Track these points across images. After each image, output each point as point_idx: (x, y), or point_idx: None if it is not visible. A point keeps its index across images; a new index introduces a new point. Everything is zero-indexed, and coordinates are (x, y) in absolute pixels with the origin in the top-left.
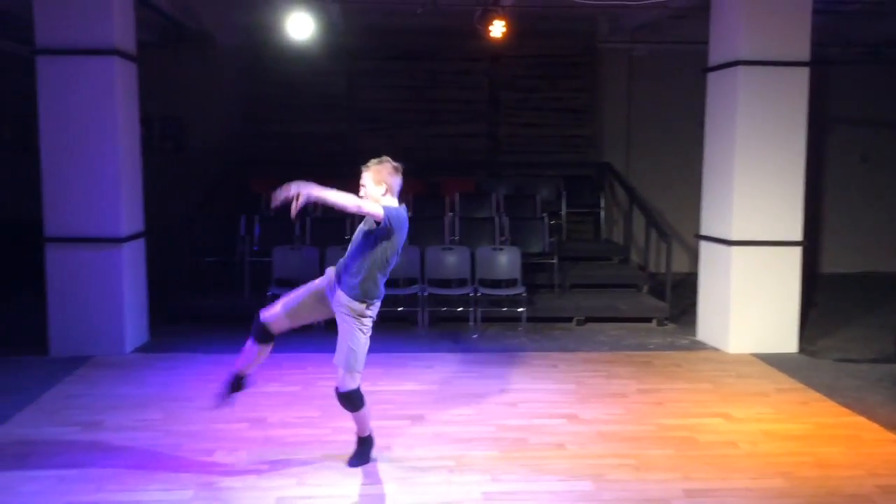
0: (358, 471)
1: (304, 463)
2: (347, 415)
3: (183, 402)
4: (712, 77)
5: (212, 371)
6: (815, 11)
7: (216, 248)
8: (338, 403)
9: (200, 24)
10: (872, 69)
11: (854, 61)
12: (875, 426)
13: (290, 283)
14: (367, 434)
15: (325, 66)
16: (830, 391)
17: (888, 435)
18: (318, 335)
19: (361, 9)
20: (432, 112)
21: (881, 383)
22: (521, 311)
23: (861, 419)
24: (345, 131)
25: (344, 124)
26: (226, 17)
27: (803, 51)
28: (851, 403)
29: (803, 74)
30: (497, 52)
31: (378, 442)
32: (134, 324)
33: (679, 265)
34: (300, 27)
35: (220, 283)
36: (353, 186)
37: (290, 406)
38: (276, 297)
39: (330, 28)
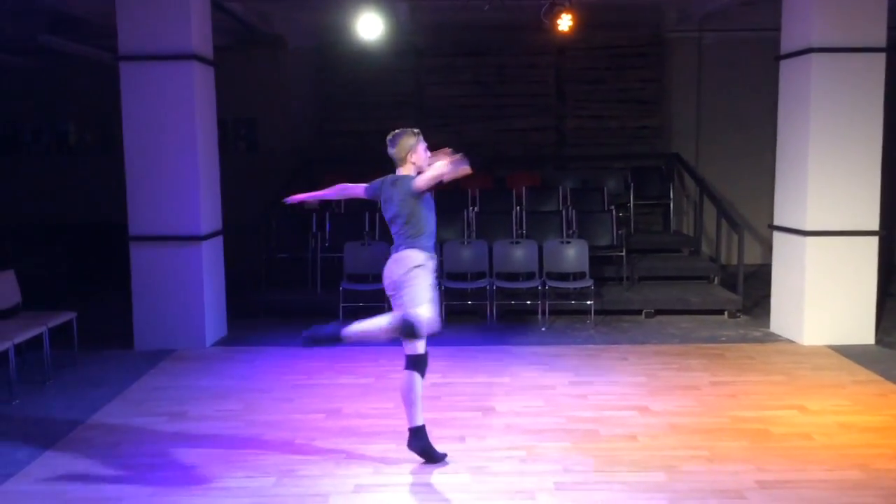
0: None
1: (379, 452)
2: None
3: (261, 393)
4: (785, 65)
5: (287, 363)
6: None
7: (289, 244)
8: None
9: (272, 27)
10: None
11: None
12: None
13: (361, 278)
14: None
15: (393, 64)
16: None
17: None
18: None
19: (429, 6)
20: (499, 107)
21: None
22: (590, 304)
23: None
24: (413, 127)
25: (412, 121)
26: (296, 19)
27: (879, 36)
28: None
29: (880, 61)
30: (563, 44)
31: (451, 433)
32: (213, 318)
33: (751, 257)
34: (370, 27)
35: (293, 278)
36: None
37: (364, 397)
38: (347, 293)
39: (398, 27)
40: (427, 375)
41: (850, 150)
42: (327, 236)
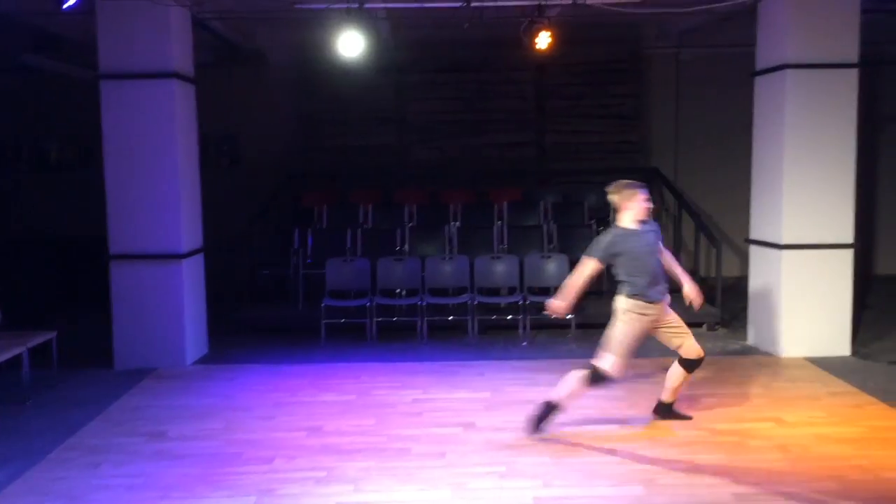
0: (413, 477)
1: (360, 470)
2: (402, 423)
3: (242, 412)
4: (760, 81)
5: (269, 381)
6: (866, 11)
7: (271, 260)
8: (393, 412)
9: (254, 43)
10: None
11: None
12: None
13: (344, 295)
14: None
15: (375, 80)
16: (884, 394)
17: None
18: (372, 346)
19: (410, 24)
20: (480, 122)
21: None
22: (570, 318)
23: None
24: (395, 144)
25: (394, 137)
26: (278, 36)
27: (851, 52)
28: None
29: (852, 76)
30: (543, 61)
31: (432, 449)
32: (194, 336)
33: (729, 270)
34: (350, 45)
35: (275, 294)
36: (404, 197)
37: (345, 414)
38: (330, 309)
39: (379, 44)
40: (408, 391)
41: (825, 164)
42: (309, 252)
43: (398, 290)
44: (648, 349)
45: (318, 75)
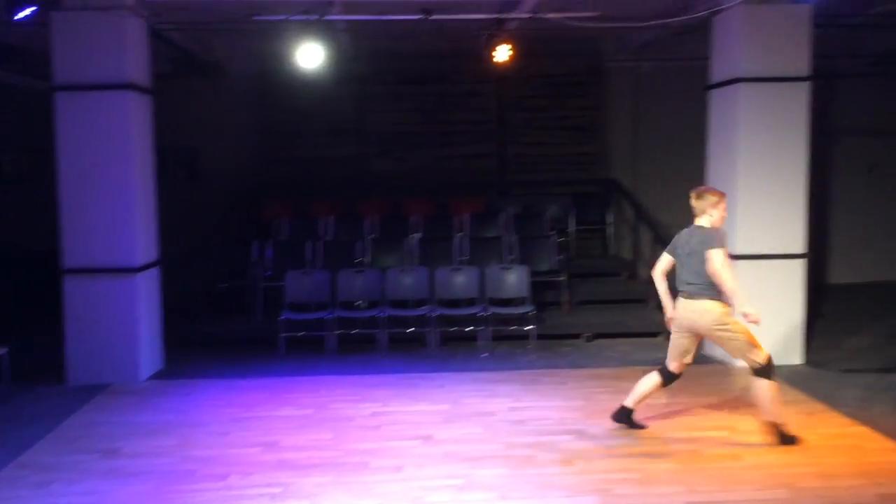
0: (370, 491)
1: (317, 485)
2: (360, 437)
3: (197, 427)
4: (714, 94)
5: (225, 396)
6: (818, 25)
7: (230, 273)
8: (351, 426)
9: (213, 54)
10: (879, 80)
11: (860, 73)
12: (878, 436)
13: (303, 307)
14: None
15: (335, 91)
16: (835, 402)
17: (891, 444)
18: (331, 359)
19: (370, 35)
20: (442, 134)
21: (887, 393)
22: (530, 329)
23: (864, 429)
24: (356, 155)
25: (355, 148)
26: (237, 47)
27: (803, 66)
28: (856, 413)
29: (803, 89)
30: (504, 73)
31: (389, 463)
32: (149, 351)
33: None
34: (310, 57)
35: (233, 308)
36: (365, 208)
37: (303, 429)
38: (289, 322)
39: (340, 55)
40: (367, 405)
41: (777, 175)
42: (269, 264)
43: (358, 303)
44: (607, 359)
45: (278, 86)
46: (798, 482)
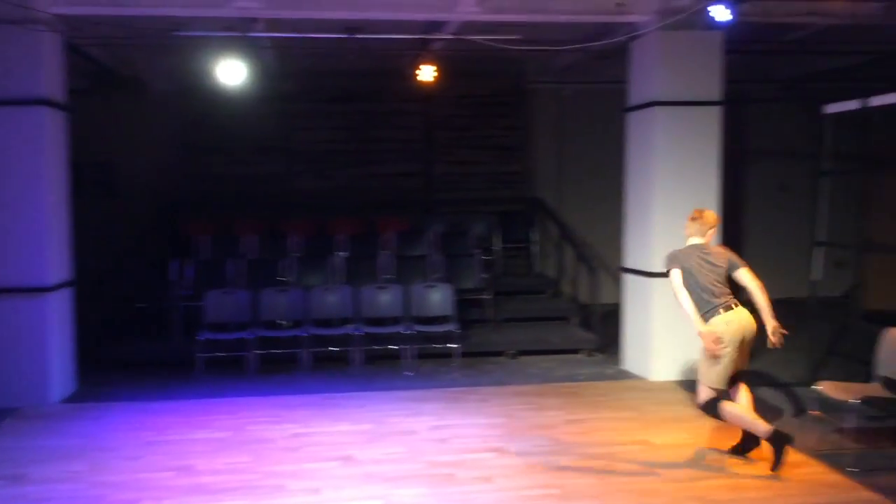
0: None
1: None
2: (278, 459)
3: (109, 452)
4: (631, 116)
5: (139, 419)
6: (730, 51)
7: (148, 292)
8: (269, 448)
9: (133, 69)
10: (789, 104)
11: (771, 98)
12: (790, 449)
13: (222, 328)
14: (766, 432)
15: (260, 108)
16: None
17: (801, 457)
18: (251, 380)
19: (295, 53)
20: (368, 152)
21: (794, 407)
22: (455, 347)
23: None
24: (281, 173)
25: (280, 166)
26: (158, 62)
27: (715, 90)
28: None
29: (716, 113)
30: (430, 92)
31: (307, 485)
32: (60, 374)
33: (611, 296)
34: (232, 73)
35: (151, 328)
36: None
37: (218, 452)
38: (207, 342)
39: (264, 72)
40: (287, 426)
41: (691, 195)
42: (189, 283)
43: (282, 322)
44: (530, 376)
45: (201, 103)
46: (710, 495)
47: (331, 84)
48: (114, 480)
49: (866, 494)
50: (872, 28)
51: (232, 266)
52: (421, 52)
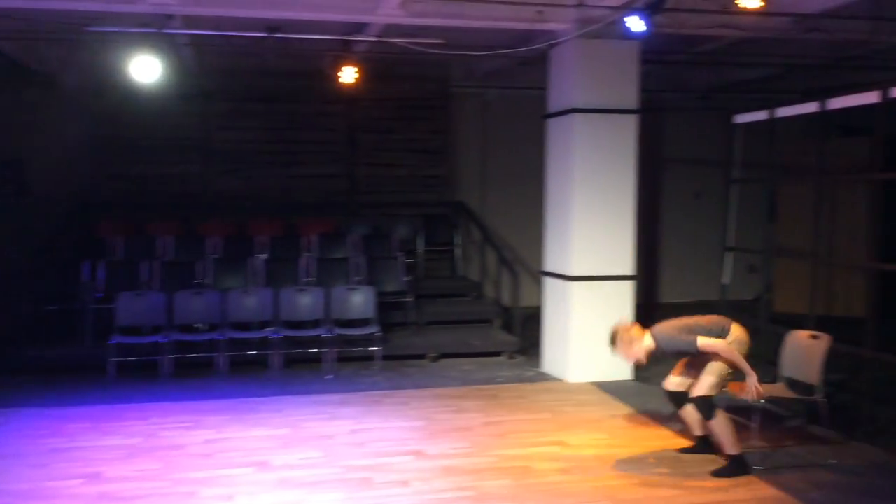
0: None
1: None
2: (191, 466)
3: (12, 459)
4: (551, 123)
5: (46, 425)
6: (647, 61)
7: (59, 295)
8: (182, 455)
9: (45, 65)
10: (704, 113)
11: (688, 107)
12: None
13: (136, 331)
14: (736, 452)
15: (178, 107)
16: (660, 415)
17: (711, 456)
18: (165, 384)
19: (214, 51)
20: (291, 153)
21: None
22: (376, 350)
23: (684, 442)
24: (200, 173)
25: (199, 166)
26: (71, 58)
27: (632, 99)
28: (676, 427)
29: (632, 121)
30: (354, 94)
31: (219, 492)
32: None
33: (533, 300)
34: (147, 70)
35: (62, 332)
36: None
37: (129, 459)
38: (120, 346)
39: (183, 69)
40: (200, 431)
41: (608, 201)
42: (101, 286)
43: (198, 325)
44: (450, 379)
45: (115, 100)
46: (620, 494)
47: (252, 83)
48: (17, 489)
49: (772, 492)
50: (782, 41)
51: (146, 268)
52: (344, 53)
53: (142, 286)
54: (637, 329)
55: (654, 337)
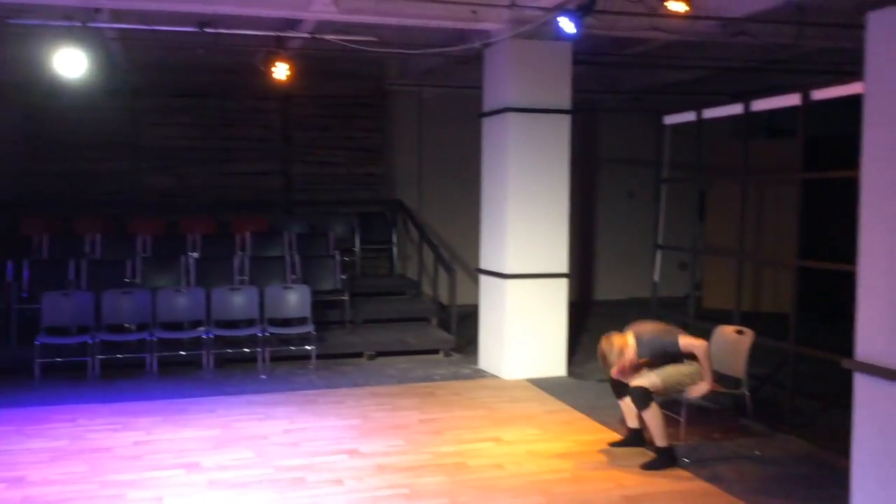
0: None
1: None
2: (118, 468)
3: None
4: (486, 122)
5: None
6: (580, 62)
7: None
8: (109, 457)
9: None
10: (636, 114)
11: (621, 108)
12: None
13: (63, 332)
14: (666, 445)
15: (107, 102)
16: (592, 410)
17: (638, 450)
18: (93, 386)
19: (143, 45)
20: (224, 150)
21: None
22: (311, 349)
23: (615, 436)
24: (129, 170)
25: (128, 163)
26: None
27: (565, 99)
28: (609, 421)
29: (565, 121)
30: (288, 91)
31: (148, 494)
32: None
33: (471, 298)
34: (72, 64)
35: None
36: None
37: (54, 462)
38: (45, 347)
39: (111, 64)
40: (129, 433)
41: (543, 200)
42: (25, 285)
43: (128, 325)
44: (386, 377)
45: (41, 95)
46: (552, 488)
47: (183, 79)
48: None
49: (697, 483)
50: (710, 44)
51: (73, 267)
52: (277, 49)
53: (69, 285)
54: (617, 336)
55: (636, 335)
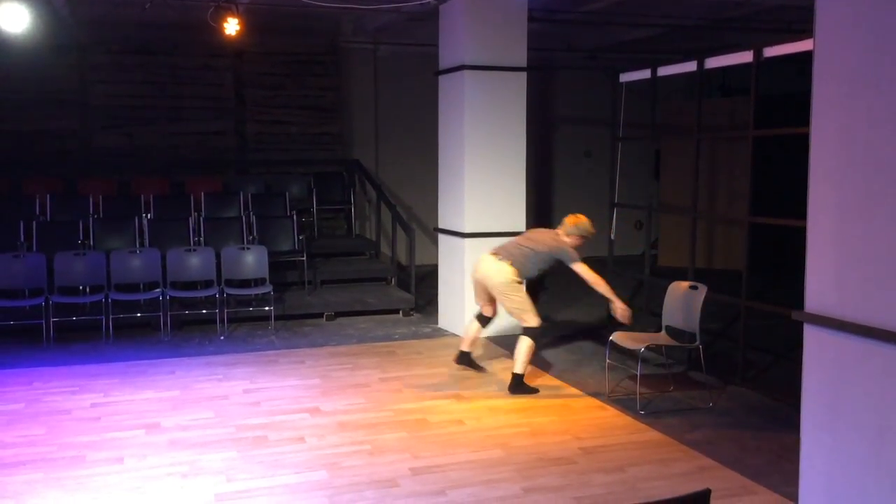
0: (84, 486)
1: (24, 483)
2: (77, 430)
3: None
4: (442, 80)
5: None
6: (536, 19)
7: None
8: (67, 419)
9: None
10: (592, 73)
11: (577, 66)
12: (583, 395)
13: (14, 294)
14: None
15: (53, 59)
16: (549, 366)
17: (593, 402)
18: (48, 349)
19: (88, 0)
20: (175, 109)
21: (593, 357)
22: (269, 310)
23: (573, 390)
24: (78, 129)
25: (77, 121)
26: None
27: (521, 57)
28: (566, 376)
29: (521, 78)
30: (241, 48)
31: (108, 455)
32: None
33: (429, 258)
34: (14, 19)
35: None
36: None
37: (11, 425)
38: None
39: (56, 20)
40: (86, 395)
41: (500, 159)
42: None
43: (81, 288)
44: (346, 337)
45: None
46: (511, 441)
47: (130, 35)
48: None
49: (652, 434)
50: (665, 2)
51: (23, 228)
52: (227, 4)
53: (19, 247)
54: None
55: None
